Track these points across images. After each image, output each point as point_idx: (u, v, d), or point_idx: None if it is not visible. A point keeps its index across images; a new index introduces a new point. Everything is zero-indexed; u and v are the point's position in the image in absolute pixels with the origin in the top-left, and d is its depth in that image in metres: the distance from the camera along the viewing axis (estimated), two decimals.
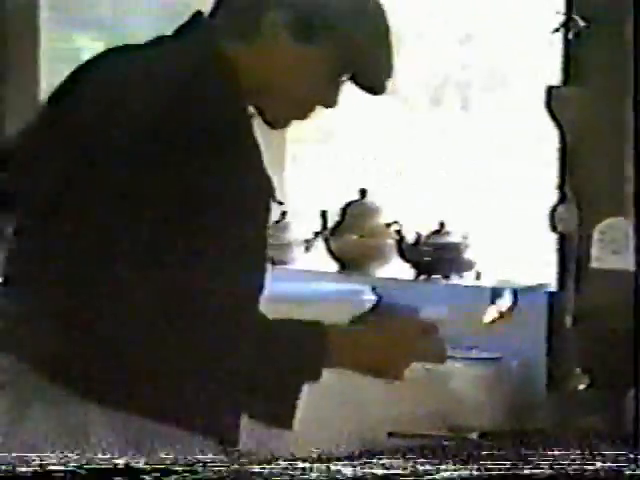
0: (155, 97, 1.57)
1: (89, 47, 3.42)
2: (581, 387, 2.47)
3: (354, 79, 1.71)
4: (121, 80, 1.61)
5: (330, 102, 1.74)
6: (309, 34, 1.67)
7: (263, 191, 1.64)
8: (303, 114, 1.75)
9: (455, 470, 1.84)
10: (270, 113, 1.73)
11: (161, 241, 1.55)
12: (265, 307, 2.28)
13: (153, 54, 1.64)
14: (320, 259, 3.05)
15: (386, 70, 1.72)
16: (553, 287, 2.64)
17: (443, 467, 1.75)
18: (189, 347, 1.57)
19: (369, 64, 1.71)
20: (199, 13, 1.69)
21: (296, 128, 3.32)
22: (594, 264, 2.53)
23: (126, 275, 1.55)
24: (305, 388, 1.67)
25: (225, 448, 1.65)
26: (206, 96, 1.60)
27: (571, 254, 2.58)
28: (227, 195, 1.58)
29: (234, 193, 1.59)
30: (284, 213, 3.15)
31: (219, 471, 1.46)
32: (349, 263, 2.97)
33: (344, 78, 1.72)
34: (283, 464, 1.67)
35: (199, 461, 1.45)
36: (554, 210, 2.58)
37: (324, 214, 3.01)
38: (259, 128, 3.18)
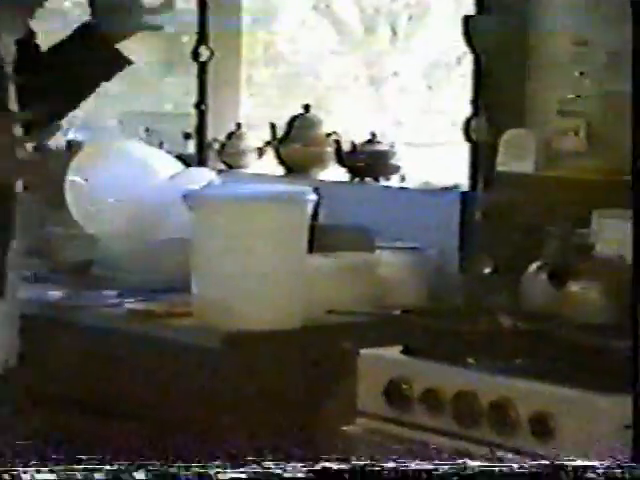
0: None
1: None
2: (487, 271, 2.67)
3: None
4: None
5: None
6: None
7: None
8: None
9: None
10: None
11: None
12: (223, 204, 2.58)
13: None
14: (270, 164, 3.25)
15: None
16: (466, 187, 2.82)
17: None
18: None
19: None
20: None
21: (250, 53, 3.60)
22: (499, 168, 2.73)
23: None
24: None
25: None
26: None
27: (481, 159, 2.78)
28: None
29: None
30: (239, 125, 3.36)
31: None
32: (295, 168, 3.18)
33: None
34: None
35: None
36: (468, 122, 2.77)
37: (273, 126, 3.20)
38: (218, 59, 3.45)
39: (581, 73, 2.64)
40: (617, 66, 2.61)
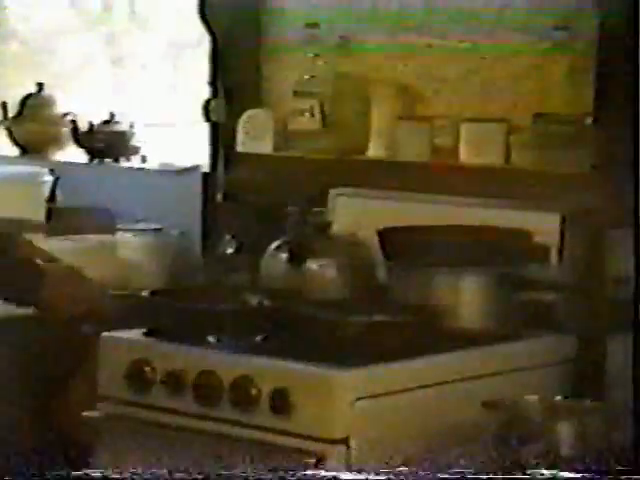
0: None
1: None
2: (229, 251, 2.69)
3: None
4: None
5: None
6: None
7: None
8: None
9: None
10: None
11: None
12: None
13: None
14: (4, 145, 3.16)
15: None
16: (206, 168, 2.82)
17: None
18: None
19: None
20: None
21: None
22: (239, 148, 2.76)
23: None
24: None
25: None
26: None
27: (221, 140, 2.78)
28: None
29: None
30: None
31: None
32: (29, 148, 3.12)
33: None
34: None
35: None
36: (207, 103, 2.78)
37: (4, 105, 3.12)
38: None
39: (315, 55, 2.69)
40: (347, 48, 2.68)
